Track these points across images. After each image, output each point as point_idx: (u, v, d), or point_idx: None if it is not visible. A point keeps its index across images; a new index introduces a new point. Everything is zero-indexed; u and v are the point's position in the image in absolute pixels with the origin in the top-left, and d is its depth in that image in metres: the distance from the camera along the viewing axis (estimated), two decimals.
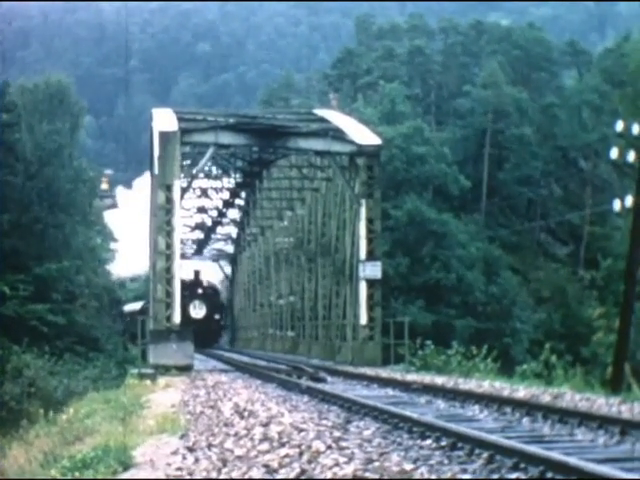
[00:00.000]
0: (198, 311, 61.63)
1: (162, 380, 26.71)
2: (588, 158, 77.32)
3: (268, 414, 15.36)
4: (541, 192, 77.19)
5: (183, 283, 58.09)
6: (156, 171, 34.17)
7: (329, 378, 25.18)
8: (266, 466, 10.36)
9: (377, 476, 9.63)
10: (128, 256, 77.28)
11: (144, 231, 54.40)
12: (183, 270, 64.99)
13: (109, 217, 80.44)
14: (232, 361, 37.90)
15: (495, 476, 9.74)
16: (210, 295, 64.68)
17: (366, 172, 35.09)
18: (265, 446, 11.77)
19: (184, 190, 34.59)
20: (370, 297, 34.31)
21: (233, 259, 71.47)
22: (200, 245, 71.99)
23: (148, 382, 26.45)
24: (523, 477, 9.54)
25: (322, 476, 9.78)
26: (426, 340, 31.59)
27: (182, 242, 60.33)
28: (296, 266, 49.14)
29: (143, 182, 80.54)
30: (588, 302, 61.85)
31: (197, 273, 64.72)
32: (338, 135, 35.53)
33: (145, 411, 18.85)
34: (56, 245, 54.78)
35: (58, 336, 50.22)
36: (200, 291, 63.31)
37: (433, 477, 9.65)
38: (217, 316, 64.22)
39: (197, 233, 68.41)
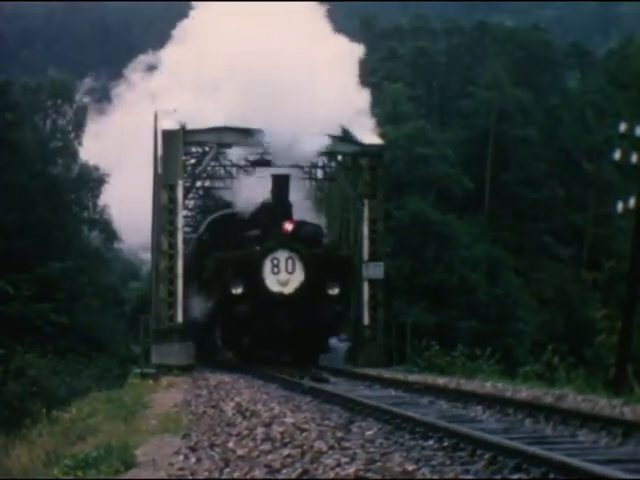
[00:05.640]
0: (284, 275, 29.94)
1: (164, 380, 26.74)
2: (592, 160, 77.13)
3: (270, 414, 15.35)
4: (544, 193, 76.94)
5: (240, 216, 34.15)
6: (159, 171, 34.19)
7: (332, 378, 25.17)
8: (268, 466, 10.37)
9: (379, 477, 9.63)
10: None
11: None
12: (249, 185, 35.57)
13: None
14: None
15: (497, 477, 9.74)
16: (311, 237, 32.09)
17: (369, 173, 35.03)
18: (267, 446, 11.77)
19: (187, 190, 34.53)
20: (373, 297, 34.23)
21: None
22: None
23: (150, 382, 26.50)
24: (525, 478, 9.55)
25: (324, 476, 9.79)
26: (429, 341, 31.57)
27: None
28: None
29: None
30: (591, 303, 61.60)
31: (282, 183, 32.10)
32: (341, 135, 35.47)
33: (147, 411, 18.87)
34: (60, 244, 54.79)
35: (61, 335, 50.25)
36: (289, 227, 30.57)
37: (435, 477, 9.66)
38: (333, 290, 30.92)
39: None
